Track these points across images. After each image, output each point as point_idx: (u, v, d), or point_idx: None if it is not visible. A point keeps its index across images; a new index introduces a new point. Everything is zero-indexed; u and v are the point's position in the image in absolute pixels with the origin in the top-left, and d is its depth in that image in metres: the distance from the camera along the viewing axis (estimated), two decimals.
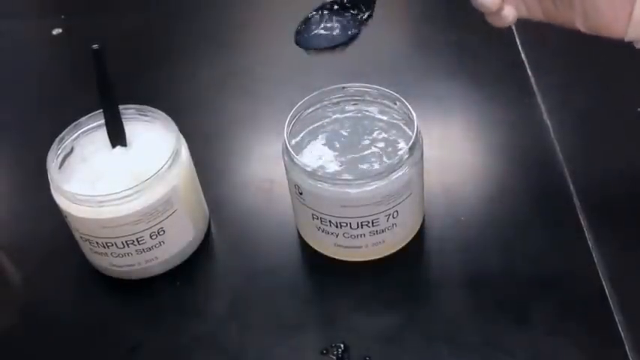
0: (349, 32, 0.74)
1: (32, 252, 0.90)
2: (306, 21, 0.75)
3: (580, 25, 0.70)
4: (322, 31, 0.75)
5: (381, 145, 0.82)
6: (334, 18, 0.75)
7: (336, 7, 0.75)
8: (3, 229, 0.93)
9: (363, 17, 0.74)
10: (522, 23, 0.75)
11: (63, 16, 1.21)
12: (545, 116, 0.96)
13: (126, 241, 0.80)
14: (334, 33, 0.75)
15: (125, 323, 0.82)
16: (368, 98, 0.84)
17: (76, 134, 0.84)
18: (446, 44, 1.08)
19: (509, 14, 0.73)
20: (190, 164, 0.84)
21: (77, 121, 0.84)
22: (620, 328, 0.75)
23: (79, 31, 1.19)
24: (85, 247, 0.83)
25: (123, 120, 0.83)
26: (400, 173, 0.77)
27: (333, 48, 0.74)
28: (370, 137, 0.83)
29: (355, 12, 0.75)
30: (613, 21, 0.68)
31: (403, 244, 0.84)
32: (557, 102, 0.98)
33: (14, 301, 0.87)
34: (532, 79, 1.01)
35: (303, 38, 0.74)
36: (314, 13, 0.75)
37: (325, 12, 0.75)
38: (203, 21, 1.19)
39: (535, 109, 0.97)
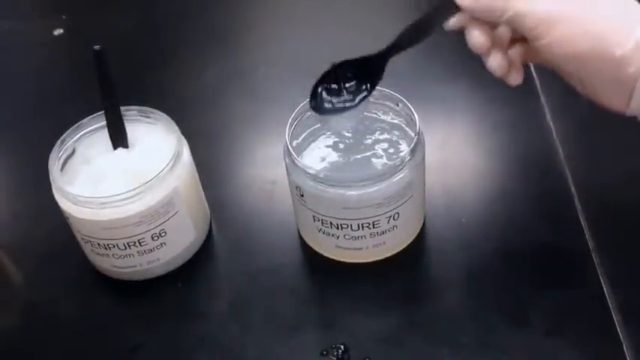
0: (356, 100, 0.76)
1: (33, 253, 0.90)
2: (316, 91, 0.76)
3: (584, 96, 0.71)
4: (332, 103, 0.77)
5: (383, 146, 0.82)
6: (342, 90, 0.77)
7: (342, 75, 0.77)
8: (4, 230, 0.93)
9: (368, 89, 0.76)
10: None
11: (64, 17, 1.21)
12: (548, 118, 0.96)
13: (127, 243, 0.80)
14: (343, 103, 0.76)
15: (126, 324, 0.82)
16: (370, 99, 0.84)
17: (78, 135, 0.84)
18: (449, 45, 1.08)
19: (515, 80, 0.75)
20: (192, 165, 0.84)
21: (79, 123, 0.84)
22: (619, 330, 0.75)
23: (81, 32, 1.19)
24: (87, 249, 0.83)
25: (125, 121, 0.83)
26: (401, 175, 0.77)
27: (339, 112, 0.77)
28: (372, 139, 0.83)
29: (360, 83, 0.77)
30: (613, 103, 0.69)
31: (404, 246, 0.84)
32: (560, 104, 0.98)
33: (15, 301, 0.87)
34: (537, 81, 1.01)
35: (315, 107, 0.77)
36: (324, 85, 0.76)
37: (333, 85, 0.77)
38: (206, 21, 1.19)
39: (539, 111, 0.97)
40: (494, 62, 0.73)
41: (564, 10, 0.66)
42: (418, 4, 1.16)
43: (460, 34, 0.72)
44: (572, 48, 0.66)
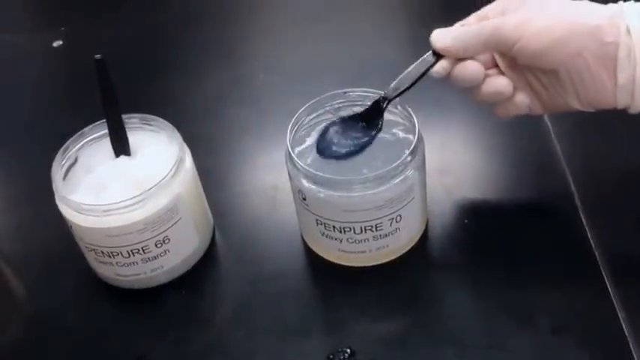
0: (360, 143, 0.81)
1: (36, 262, 0.90)
2: (323, 134, 0.82)
3: (576, 104, 0.75)
4: (337, 145, 0.82)
5: (383, 149, 0.82)
6: (348, 133, 0.82)
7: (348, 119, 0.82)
8: (6, 240, 0.93)
9: (373, 133, 0.81)
10: None
11: (63, 28, 1.22)
12: (545, 119, 0.96)
13: (131, 250, 0.80)
14: (348, 146, 0.81)
15: (131, 333, 0.82)
16: (369, 103, 0.84)
17: (80, 144, 0.84)
18: None
19: (524, 99, 0.77)
20: (194, 172, 0.84)
21: (81, 131, 0.84)
22: (624, 326, 0.75)
23: (80, 43, 1.19)
24: (90, 257, 0.83)
25: (126, 129, 0.83)
26: (402, 177, 0.77)
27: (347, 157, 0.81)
28: (373, 142, 0.83)
29: (365, 126, 0.82)
30: (601, 92, 0.72)
31: (407, 249, 0.84)
32: None
33: (18, 312, 0.87)
34: None
35: (320, 150, 0.81)
36: (329, 128, 0.82)
37: (339, 127, 0.82)
38: (205, 31, 1.20)
39: None
40: (501, 81, 0.75)
41: (532, 7, 0.71)
42: (415, 16, 1.18)
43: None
44: (552, 34, 0.69)
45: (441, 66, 0.76)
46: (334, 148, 0.81)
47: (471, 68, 0.74)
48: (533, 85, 0.76)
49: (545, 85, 0.74)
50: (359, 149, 0.81)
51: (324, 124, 0.83)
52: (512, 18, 0.71)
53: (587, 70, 0.70)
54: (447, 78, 0.77)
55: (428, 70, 0.77)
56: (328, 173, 0.78)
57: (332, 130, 0.82)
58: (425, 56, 0.78)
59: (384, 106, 0.81)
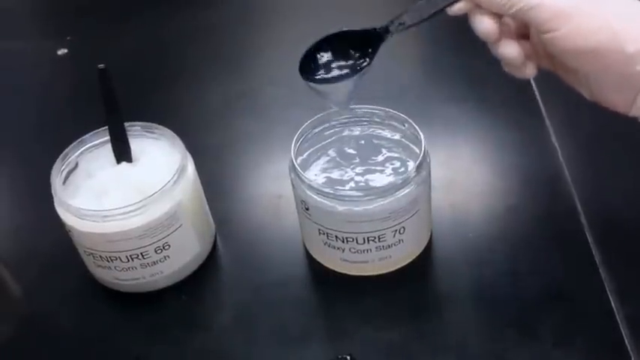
0: (346, 73, 0.75)
1: (35, 266, 0.89)
2: (309, 54, 0.75)
3: (587, 97, 0.72)
4: (323, 67, 0.75)
5: (389, 163, 0.82)
6: (336, 56, 0.76)
7: (339, 43, 0.76)
8: (6, 243, 0.93)
9: (363, 64, 0.75)
10: None
11: (69, 37, 1.22)
12: (552, 137, 0.96)
13: (130, 256, 0.80)
14: (333, 72, 0.75)
15: (130, 337, 0.81)
16: (376, 119, 0.84)
17: (80, 150, 0.84)
18: (453, 67, 1.09)
19: (531, 72, 0.73)
20: (196, 180, 0.84)
21: (81, 138, 0.84)
22: (627, 342, 0.75)
23: (85, 52, 1.19)
24: (89, 261, 0.83)
25: (129, 137, 0.83)
26: (407, 191, 0.77)
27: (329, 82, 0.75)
28: (378, 156, 0.83)
29: (356, 54, 0.75)
30: (617, 102, 0.70)
31: (410, 260, 0.83)
32: (564, 125, 0.98)
33: (16, 315, 0.86)
34: (540, 103, 1.01)
35: (304, 70, 0.75)
36: (320, 52, 0.76)
37: (328, 50, 0.76)
38: (212, 43, 1.20)
39: (542, 131, 0.98)
40: (511, 50, 0.71)
41: (579, 4, 0.66)
42: (425, 27, 1.17)
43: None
44: (585, 41, 0.66)
45: (459, 7, 0.69)
46: (318, 70, 0.75)
47: (485, 26, 0.69)
48: (552, 61, 0.73)
49: (564, 68, 0.72)
50: (344, 78, 0.74)
51: (314, 43, 0.75)
52: (552, 4, 0.66)
53: (608, 83, 0.68)
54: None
55: (447, 6, 0.70)
56: (332, 185, 0.78)
57: (320, 50, 0.75)
58: None
59: (384, 37, 0.73)
